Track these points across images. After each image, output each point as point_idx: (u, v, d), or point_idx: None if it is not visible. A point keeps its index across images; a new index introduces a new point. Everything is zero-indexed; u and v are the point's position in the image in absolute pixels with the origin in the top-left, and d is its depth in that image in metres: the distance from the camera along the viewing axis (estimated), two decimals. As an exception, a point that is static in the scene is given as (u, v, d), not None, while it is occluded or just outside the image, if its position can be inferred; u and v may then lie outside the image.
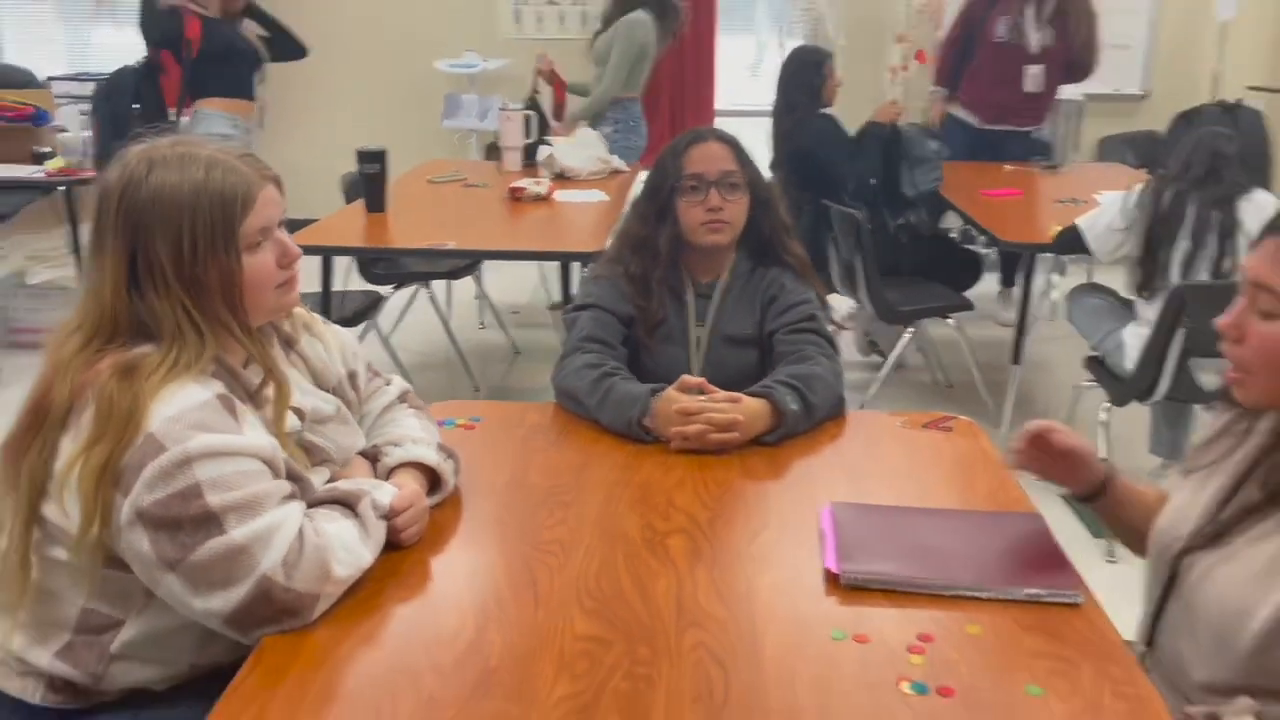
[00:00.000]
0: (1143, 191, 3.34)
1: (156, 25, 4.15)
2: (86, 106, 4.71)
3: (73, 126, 4.46)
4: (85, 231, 4.39)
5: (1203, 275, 3.20)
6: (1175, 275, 3.22)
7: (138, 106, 4.09)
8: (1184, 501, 1.50)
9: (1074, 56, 4.94)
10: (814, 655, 1.31)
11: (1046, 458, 1.58)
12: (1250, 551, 1.35)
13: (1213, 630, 1.36)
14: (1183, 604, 1.45)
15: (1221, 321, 1.37)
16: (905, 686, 1.24)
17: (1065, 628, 1.37)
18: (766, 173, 2.66)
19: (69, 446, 1.33)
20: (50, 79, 5.06)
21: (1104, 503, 1.62)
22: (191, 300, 1.38)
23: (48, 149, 4.34)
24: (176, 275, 1.37)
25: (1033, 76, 4.96)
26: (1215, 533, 1.41)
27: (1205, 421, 1.58)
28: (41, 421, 1.35)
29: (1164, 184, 3.30)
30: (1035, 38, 4.86)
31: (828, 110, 4.49)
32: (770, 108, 4.63)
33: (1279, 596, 1.28)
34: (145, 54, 4.26)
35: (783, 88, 4.54)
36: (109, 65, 5.34)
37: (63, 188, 4.34)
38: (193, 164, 1.38)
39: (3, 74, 5.19)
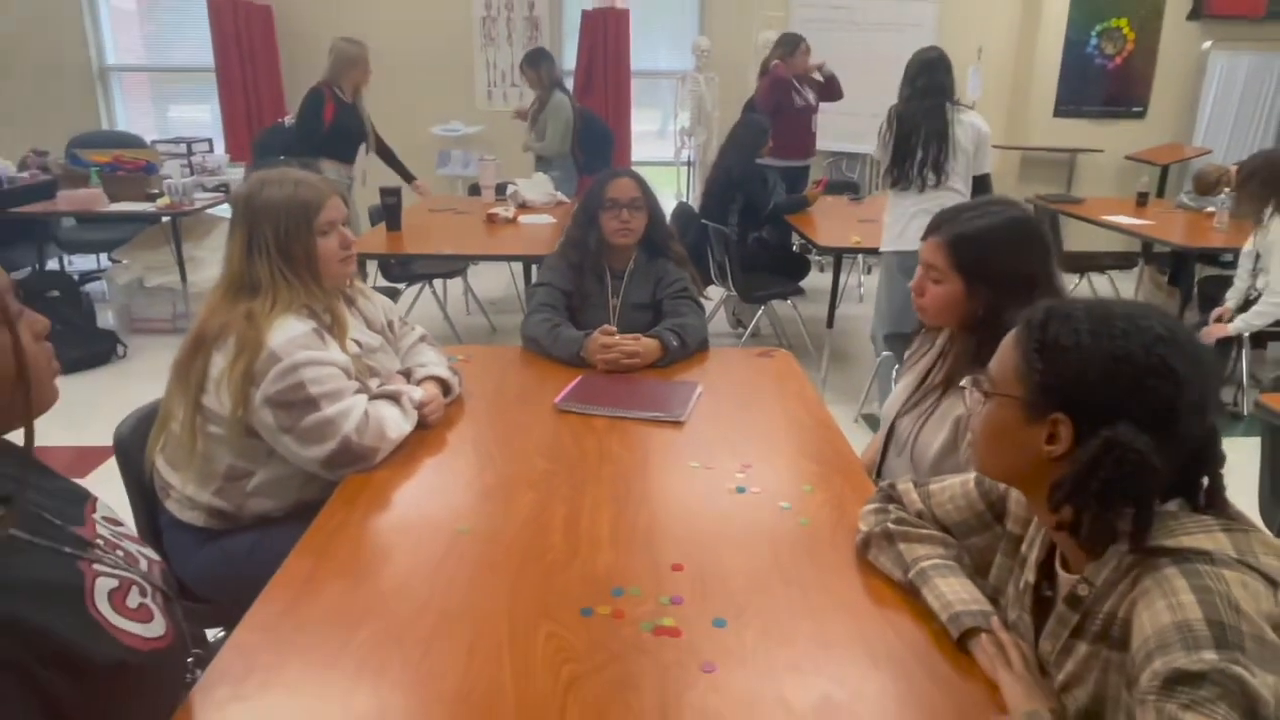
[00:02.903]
0: (889, 116, 3.37)
1: (312, 108, 4.43)
2: (183, 160, 4.80)
3: (174, 175, 4.51)
4: (187, 249, 4.52)
5: (930, 174, 3.29)
6: (914, 174, 3.31)
7: (283, 158, 4.28)
8: (901, 387, 1.69)
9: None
10: (680, 476, 1.56)
11: None
12: (936, 413, 1.54)
13: (911, 462, 1.56)
14: (894, 450, 1.64)
15: (911, 285, 1.58)
16: (732, 489, 1.50)
17: (827, 455, 1.63)
18: (668, 201, 2.79)
19: (219, 360, 1.51)
20: (154, 141, 5.07)
21: None
22: (285, 264, 1.56)
23: (157, 190, 4.38)
24: (276, 248, 1.56)
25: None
26: (915, 403, 1.60)
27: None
28: (201, 344, 1.52)
29: (904, 105, 3.30)
30: (811, 98, 5.18)
31: (765, 161, 4.67)
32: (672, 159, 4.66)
33: (941, 438, 1.50)
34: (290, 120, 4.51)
35: (737, 142, 4.51)
36: (185, 131, 5.39)
37: (168, 218, 4.39)
38: (289, 182, 1.58)
39: (122, 138, 5.22)
